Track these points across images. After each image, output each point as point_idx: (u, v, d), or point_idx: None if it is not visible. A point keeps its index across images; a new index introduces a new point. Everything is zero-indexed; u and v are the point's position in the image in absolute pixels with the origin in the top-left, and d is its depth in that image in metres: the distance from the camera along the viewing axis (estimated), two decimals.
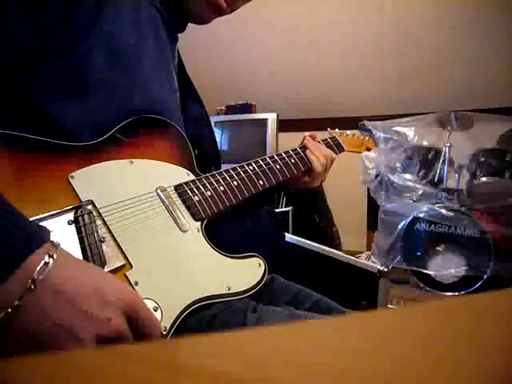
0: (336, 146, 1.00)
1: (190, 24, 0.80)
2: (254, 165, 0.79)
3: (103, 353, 0.18)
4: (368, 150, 1.16)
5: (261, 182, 0.78)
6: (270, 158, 0.83)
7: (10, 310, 0.35)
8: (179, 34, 0.81)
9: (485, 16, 2.68)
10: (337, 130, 1.07)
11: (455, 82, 2.90)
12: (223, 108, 3.43)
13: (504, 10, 2.61)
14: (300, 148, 0.91)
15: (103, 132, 0.61)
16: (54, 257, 0.38)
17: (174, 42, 0.79)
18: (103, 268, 0.53)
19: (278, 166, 0.83)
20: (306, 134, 0.96)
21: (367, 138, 1.16)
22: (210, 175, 0.71)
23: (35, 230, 0.39)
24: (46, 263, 0.37)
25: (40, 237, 0.39)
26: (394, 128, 2.55)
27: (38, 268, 0.37)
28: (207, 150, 0.82)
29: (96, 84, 0.61)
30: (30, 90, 0.56)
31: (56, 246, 0.39)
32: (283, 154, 0.87)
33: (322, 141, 0.98)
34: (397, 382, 0.14)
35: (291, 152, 0.89)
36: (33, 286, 0.36)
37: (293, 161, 0.88)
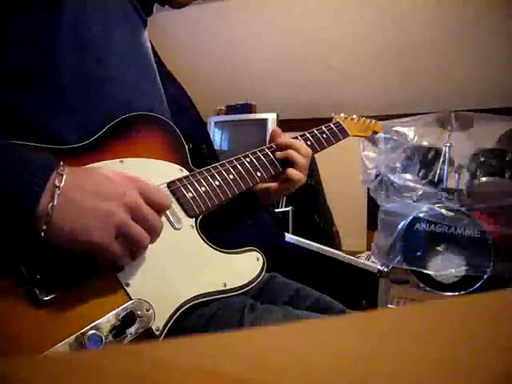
0: (340, 132, 0.95)
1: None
2: (251, 156, 0.75)
3: (103, 353, 0.18)
4: (375, 133, 1.13)
5: (258, 174, 0.75)
6: (268, 147, 0.79)
7: (50, 211, 0.46)
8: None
9: (485, 16, 2.68)
10: (342, 115, 1.02)
11: (455, 82, 2.90)
12: (223, 108, 3.43)
13: (504, 9, 2.61)
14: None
15: (91, 131, 0.60)
16: (66, 170, 0.49)
17: (144, 27, 0.76)
18: (95, 271, 0.53)
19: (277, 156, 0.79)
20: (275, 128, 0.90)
21: (373, 121, 1.12)
22: (205, 170, 0.68)
23: (47, 160, 0.50)
24: (61, 175, 0.48)
25: (51, 162, 0.49)
26: (394, 128, 2.55)
27: (57, 180, 0.48)
28: (194, 129, 0.78)
29: (70, 82, 0.59)
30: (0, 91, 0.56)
31: (63, 166, 0.49)
32: None
33: (325, 127, 0.92)
34: (397, 381, 0.14)
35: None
36: (58, 190, 0.47)
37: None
